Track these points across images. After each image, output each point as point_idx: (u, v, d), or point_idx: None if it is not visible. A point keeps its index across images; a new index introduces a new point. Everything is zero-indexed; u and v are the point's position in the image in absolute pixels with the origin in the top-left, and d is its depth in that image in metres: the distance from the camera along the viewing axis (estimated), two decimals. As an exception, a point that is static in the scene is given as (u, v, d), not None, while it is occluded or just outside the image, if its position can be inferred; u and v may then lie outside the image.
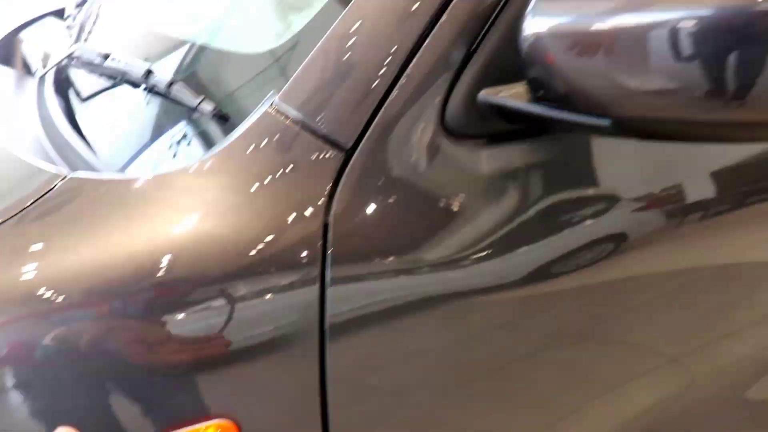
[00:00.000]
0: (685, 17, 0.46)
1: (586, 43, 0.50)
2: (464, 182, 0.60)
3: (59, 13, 1.23)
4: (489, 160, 0.61)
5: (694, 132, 0.51)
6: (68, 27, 1.15)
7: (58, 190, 0.63)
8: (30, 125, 0.84)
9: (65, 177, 0.64)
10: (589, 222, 0.64)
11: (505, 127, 0.60)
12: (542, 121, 0.56)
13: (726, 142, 0.61)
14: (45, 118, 0.85)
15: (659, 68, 0.48)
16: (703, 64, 0.46)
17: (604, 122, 0.52)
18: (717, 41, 0.46)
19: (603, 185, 0.64)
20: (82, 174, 0.65)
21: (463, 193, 0.60)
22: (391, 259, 0.58)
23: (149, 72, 0.78)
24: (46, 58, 1.03)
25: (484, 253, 0.60)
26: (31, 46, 1.14)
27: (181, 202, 0.59)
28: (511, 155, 0.61)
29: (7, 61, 1.12)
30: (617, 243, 0.65)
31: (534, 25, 0.53)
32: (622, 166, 0.65)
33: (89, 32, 1.05)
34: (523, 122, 0.59)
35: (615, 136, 0.55)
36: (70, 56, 0.96)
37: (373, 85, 0.58)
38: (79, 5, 1.21)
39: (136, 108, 0.83)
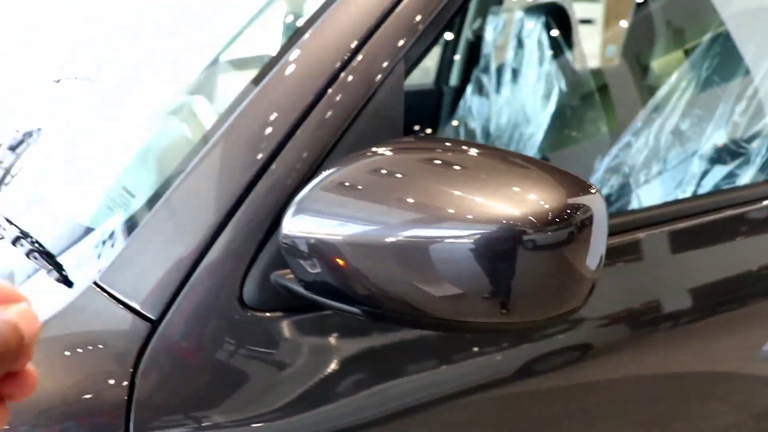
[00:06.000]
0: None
1: (334, 252, 0.60)
2: (259, 349, 0.68)
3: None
4: (281, 330, 0.69)
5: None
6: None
7: None
8: None
9: None
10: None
11: (299, 302, 0.67)
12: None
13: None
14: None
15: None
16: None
17: (357, 311, 0.61)
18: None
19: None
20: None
21: (258, 359, 0.67)
22: (190, 421, 0.64)
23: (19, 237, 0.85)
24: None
25: (281, 412, 0.67)
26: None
27: None
28: (303, 326, 0.69)
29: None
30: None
31: (292, 225, 0.62)
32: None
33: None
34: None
35: (367, 321, 0.63)
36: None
37: (180, 264, 0.67)
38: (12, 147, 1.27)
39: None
